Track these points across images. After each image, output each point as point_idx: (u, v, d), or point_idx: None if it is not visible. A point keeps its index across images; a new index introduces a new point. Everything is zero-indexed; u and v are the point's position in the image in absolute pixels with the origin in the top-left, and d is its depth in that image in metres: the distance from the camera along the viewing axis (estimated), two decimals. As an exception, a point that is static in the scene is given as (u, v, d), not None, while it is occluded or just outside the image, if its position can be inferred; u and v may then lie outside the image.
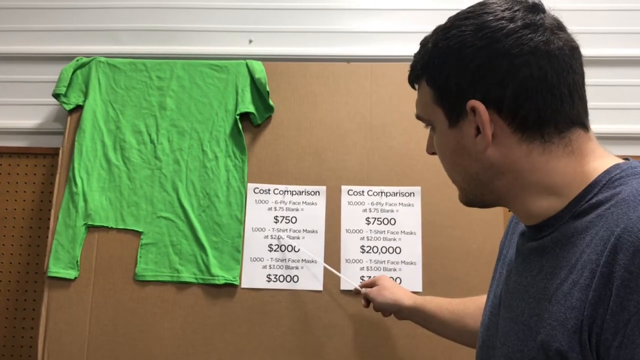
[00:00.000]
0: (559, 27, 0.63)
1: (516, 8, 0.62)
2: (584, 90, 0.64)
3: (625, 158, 0.63)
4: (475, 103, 0.61)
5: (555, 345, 0.54)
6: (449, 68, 0.63)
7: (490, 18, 0.62)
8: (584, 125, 0.63)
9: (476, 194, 0.69)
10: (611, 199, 0.57)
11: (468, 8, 0.65)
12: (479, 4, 0.65)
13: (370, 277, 1.40)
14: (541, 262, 0.62)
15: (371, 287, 1.21)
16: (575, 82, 0.62)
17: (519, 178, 0.63)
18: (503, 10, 0.62)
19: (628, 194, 0.55)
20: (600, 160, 0.62)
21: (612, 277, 0.51)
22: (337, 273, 1.37)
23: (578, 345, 0.52)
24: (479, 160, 0.64)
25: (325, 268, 1.39)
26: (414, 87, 0.73)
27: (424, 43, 0.69)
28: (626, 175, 0.58)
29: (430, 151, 0.75)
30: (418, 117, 0.72)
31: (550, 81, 0.60)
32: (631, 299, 0.49)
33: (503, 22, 0.61)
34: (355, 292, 1.28)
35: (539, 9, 0.63)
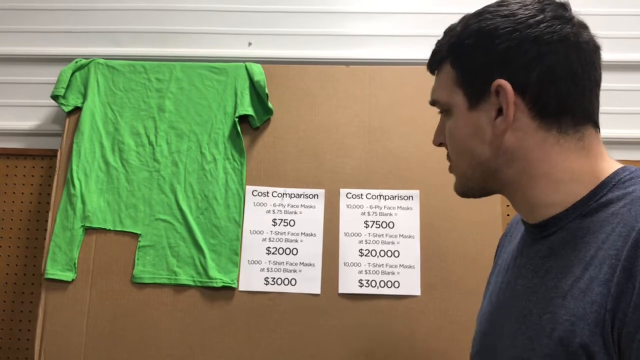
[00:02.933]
0: (584, 26, 0.66)
1: (547, 2, 0.65)
2: (599, 91, 0.66)
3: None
4: (502, 82, 0.62)
5: (577, 340, 0.54)
6: (479, 47, 0.65)
7: (521, 7, 0.65)
8: (596, 124, 0.65)
9: (479, 182, 0.69)
10: (624, 197, 0.57)
11: (499, 0, 0.68)
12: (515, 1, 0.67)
13: (368, 280, 1.40)
14: (549, 263, 0.62)
15: None
16: (596, 80, 0.65)
17: (529, 167, 0.64)
18: (534, 3, 0.65)
19: None
20: (608, 163, 0.63)
21: (634, 271, 0.51)
22: None
23: (600, 339, 0.52)
24: (493, 145, 0.65)
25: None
26: (433, 73, 0.73)
27: (450, 29, 0.70)
28: (636, 177, 0.60)
29: (438, 141, 0.74)
30: (434, 102, 0.73)
31: (575, 71, 0.62)
32: None
33: (535, 11, 0.64)
34: None
35: (566, 7, 0.66)
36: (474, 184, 0.70)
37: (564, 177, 0.63)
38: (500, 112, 0.63)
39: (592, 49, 0.64)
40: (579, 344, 0.53)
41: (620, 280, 0.52)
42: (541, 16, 0.63)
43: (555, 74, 0.62)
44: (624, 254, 0.52)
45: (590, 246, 0.57)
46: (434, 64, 0.72)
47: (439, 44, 0.71)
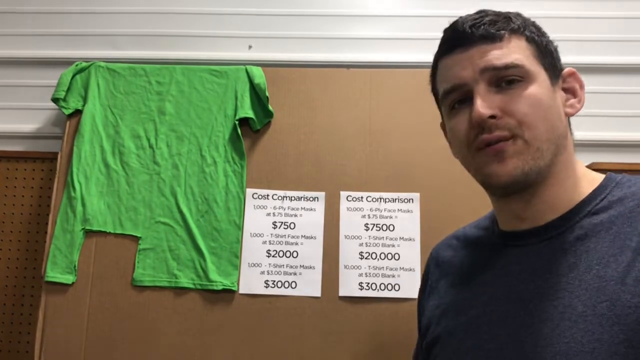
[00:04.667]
0: None
1: None
2: None
3: None
4: (573, 69, 0.72)
5: None
6: (547, 36, 0.73)
7: None
8: None
9: (547, 157, 0.66)
10: None
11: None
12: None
13: (368, 283, 1.40)
14: (570, 260, 0.64)
15: None
16: None
17: (570, 158, 0.70)
18: None
19: None
20: (586, 168, 0.72)
21: None
22: None
23: None
24: (563, 124, 0.69)
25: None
26: (495, 38, 0.68)
27: (500, 13, 0.72)
28: (629, 179, 0.66)
29: (490, 112, 0.66)
30: (513, 66, 0.67)
31: None
32: None
33: None
34: None
35: None
36: (543, 158, 0.66)
37: (580, 174, 0.69)
38: (566, 99, 0.71)
39: None
40: None
41: None
42: None
43: None
44: None
45: (628, 235, 0.61)
46: (499, 31, 0.68)
47: (499, 17, 0.70)
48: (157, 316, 1.39)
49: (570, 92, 0.72)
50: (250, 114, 1.49)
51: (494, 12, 0.71)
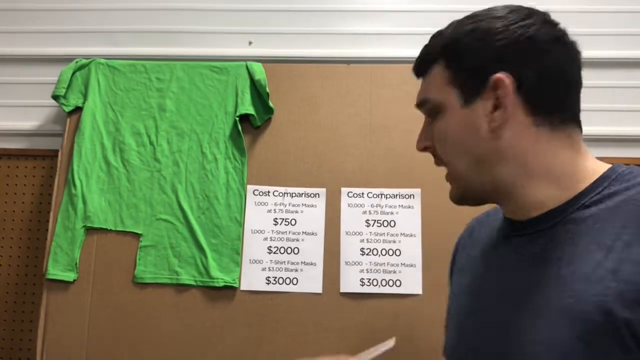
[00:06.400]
0: (567, 34, 0.68)
1: (532, 10, 0.68)
2: (580, 92, 0.68)
3: None
4: (501, 75, 0.63)
5: (620, 316, 0.55)
6: (475, 45, 0.66)
7: (511, 12, 0.67)
8: (579, 123, 0.67)
9: (475, 183, 0.69)
10: (634, 187, 0.60)
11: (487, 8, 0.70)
12: (502, 7, 0.69)
13: (369, 279, 1.40)
14: (554, 254, 0.63)
15: None
16: (580, 80, 0.67)
17: (528, 166, 0.65)
18: (520, 10, 0.67)
19: None
20: (595, 161, 0.66)
21: None
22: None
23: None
24: (489, 140, 0.66)
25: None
26: (420, 76, 0.73)
27: (439, 33, 0.71)
28: (630, 172, 0.63)
29: (423, 145, 0.74)
30: (423, 102, 0.72)
31: (567, 70, 0.66)
32: None
33: (524, 15, 0.66)
34: None
35: (549, 16, 0.68)
36: (471, 185, 0.70)
37: (558, 172, 0.65)
38: (495, 108, 0.65)
39: (577, 51, 0.67)
40: (622, 321, 0.54)
41: None
42: (531, 20, 0.65)
43: (550, 72, 0.64)
44: None
45: (607, 232, 0.59)
46: (422, 66, 0.72)
47: (428, 47, 0.72)
48: (158, 313, 1.39)
49: (497, 100, 0.65)
50: (250, 110, 1.48)
51: (437, 34, 0.71)
